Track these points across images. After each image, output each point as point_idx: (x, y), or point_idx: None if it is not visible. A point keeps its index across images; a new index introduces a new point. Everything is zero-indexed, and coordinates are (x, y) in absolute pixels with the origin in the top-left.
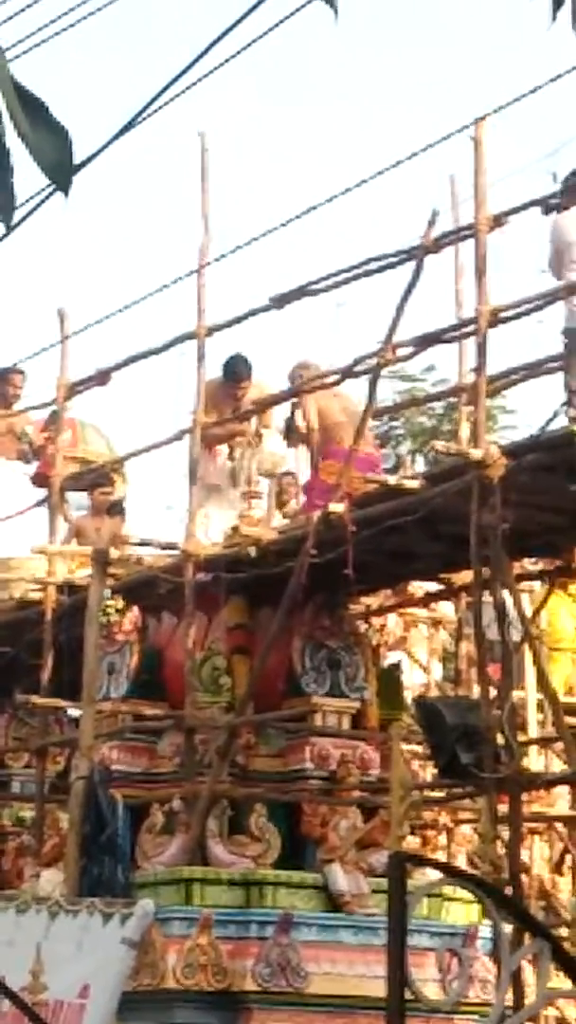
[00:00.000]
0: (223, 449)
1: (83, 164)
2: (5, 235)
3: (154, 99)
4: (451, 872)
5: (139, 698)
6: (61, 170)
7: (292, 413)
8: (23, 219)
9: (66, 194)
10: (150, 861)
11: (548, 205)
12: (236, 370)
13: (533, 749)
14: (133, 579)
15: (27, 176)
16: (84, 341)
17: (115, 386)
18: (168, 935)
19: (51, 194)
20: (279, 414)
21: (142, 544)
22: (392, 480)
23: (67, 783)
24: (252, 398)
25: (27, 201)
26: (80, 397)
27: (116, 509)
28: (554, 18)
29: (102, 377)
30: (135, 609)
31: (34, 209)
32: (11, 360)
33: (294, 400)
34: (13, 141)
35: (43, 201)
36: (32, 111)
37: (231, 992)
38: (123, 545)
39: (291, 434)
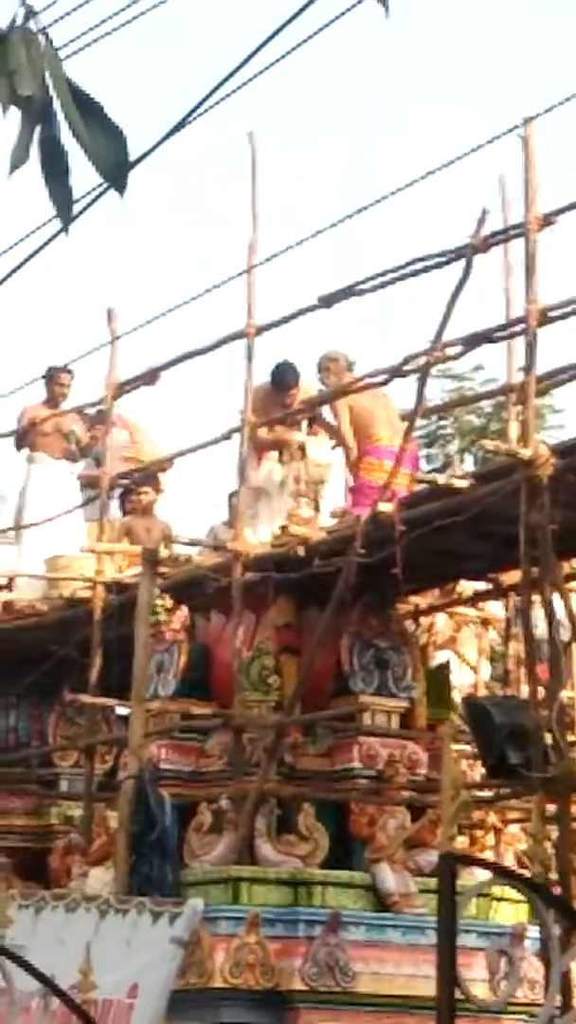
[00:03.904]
0: (272, 455)
1: (135, 163)
2: (60, 231)
3: (206, 98)
4: (502, 872)
5: (187, 697)
6: (117, 171)
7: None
8: (76, 216)
9: (122, 195)
10: (198, 860)
11: None
12: (284, 378)
13: None
14: (181, 578)
15: (77, 173)
16: (133, 340)
17: (163, 385)
18: (215, 934)
19: (102, 193)
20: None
21: (191, 544)
22: (441, 479)
23: (115, 782)
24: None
25: (79, 199)
26: (128, 396)
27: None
28: None
29: (150, 376)
30: (183, 608)
31: (88, 206)
32: (62, 359)
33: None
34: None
35: (95, 199)
36: (88, 113)
37: (278, 991)
38: (172, 544)
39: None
